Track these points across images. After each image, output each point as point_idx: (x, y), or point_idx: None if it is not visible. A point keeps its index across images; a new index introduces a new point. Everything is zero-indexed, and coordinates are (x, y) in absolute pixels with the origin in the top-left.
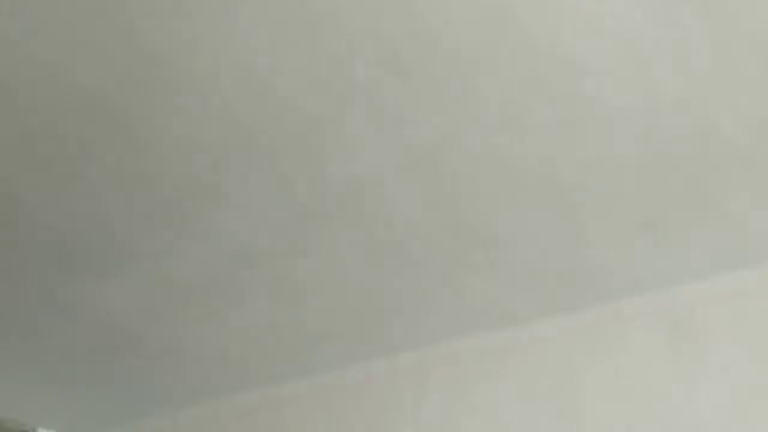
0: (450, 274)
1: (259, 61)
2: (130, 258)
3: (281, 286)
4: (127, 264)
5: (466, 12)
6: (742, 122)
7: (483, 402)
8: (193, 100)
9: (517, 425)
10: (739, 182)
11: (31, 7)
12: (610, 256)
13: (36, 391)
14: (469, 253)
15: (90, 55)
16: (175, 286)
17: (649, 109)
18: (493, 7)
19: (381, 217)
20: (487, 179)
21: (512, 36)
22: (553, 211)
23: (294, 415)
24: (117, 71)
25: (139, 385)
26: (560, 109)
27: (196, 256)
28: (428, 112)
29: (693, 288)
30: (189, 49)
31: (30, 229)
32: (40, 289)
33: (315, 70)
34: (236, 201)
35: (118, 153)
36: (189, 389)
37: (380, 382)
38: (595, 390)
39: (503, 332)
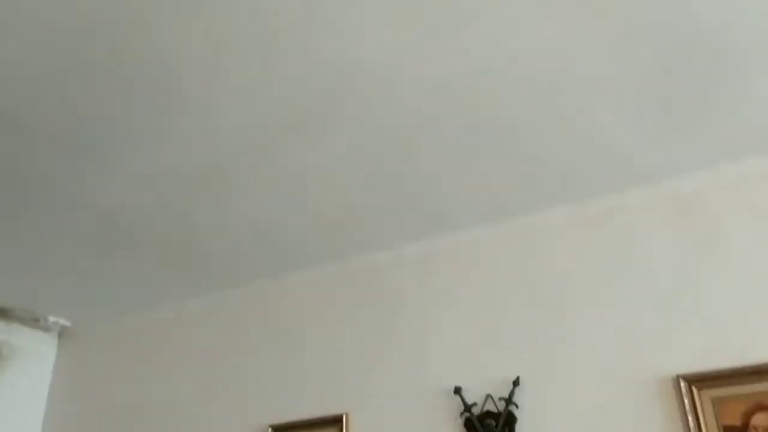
0: (455, 163)
1: None
2: (130, 145)
3: (285, 174)
4: (128, 151)
5: None
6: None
7: (484, 290)
8: None
9: (516, 312)
10: (746, 70)
11: None
12: (616, 146)
13: (45, 282)
14: (474, 142)
15: None
16: (176, 175)
17: None
18: None
19: (386, 103)
20: (496, 69)
21: None
22: (560, 101)
23: (299, 305)
24: None
25: (145, 275)
26: None
27: (197, 143)
28: None
29: (699, 177)
30: None
31: (30, 116)
32: (41, 179)
33: None
34: (237, 84)
35: (118, 35)
36: (193, 280)
37: (384, 273)
38: (599, 280)
39: (507, 223)
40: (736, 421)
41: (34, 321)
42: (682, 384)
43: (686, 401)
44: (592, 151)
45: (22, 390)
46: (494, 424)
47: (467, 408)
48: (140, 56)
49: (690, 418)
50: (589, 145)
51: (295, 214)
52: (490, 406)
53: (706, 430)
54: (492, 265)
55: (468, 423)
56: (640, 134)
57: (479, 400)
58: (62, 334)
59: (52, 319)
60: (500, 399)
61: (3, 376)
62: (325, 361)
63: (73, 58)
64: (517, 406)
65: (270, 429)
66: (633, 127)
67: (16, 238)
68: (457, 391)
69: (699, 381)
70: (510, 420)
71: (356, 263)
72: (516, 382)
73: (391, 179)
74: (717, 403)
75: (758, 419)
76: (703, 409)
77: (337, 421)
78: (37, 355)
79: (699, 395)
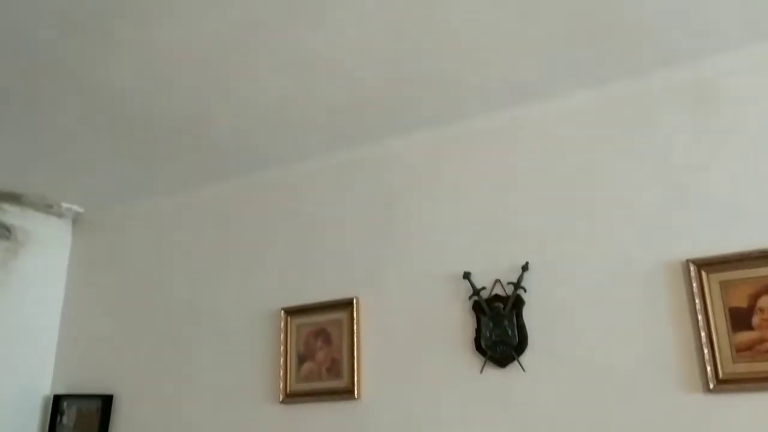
0: (468, 47)
1: None
2: (136, 24)
3: (294, 58)
4: (134, 31)
5: None
6: None
7: (494, 176)
8: None
9: (527, 198)
10: None
11: None
12: (635, 29)
13: (58, 169)
14: (489, 23)
15: None
16: (184, 56)
17: None
18: None
19: None
20: None
21: None
22: None
23: (310, 193)
24: None
25: (155, 161)
26: None
27: (204, 24)
28: None
29: (719, 60)
30: None
31: None
32: (50, 62)
33: None
34: None
35: None
36: (204, 167)
37: (396, 159)
38: (611, 165)
39: (521, 109)
40: (743, 303)
41: (47, 207)
42: (692, 268)
43: (694, 285)
44: (612, 32)
45: (41, 273)
46: (502, 306)
47: (476, 292)
48: None
49: (697, 301)
50: (608, 27)
51: (304, 99)
52: (498, 291)
53: (713, 311)
54: (503, 151)
55: (476, 306)
56: (662, 14)
57: (488, 284)
58: (76, 220)
59: (65, 205)
60: (509, 283)
61: (20, 261)
62: (337, 247)
63: None
64: (525, 290)
65: (282, 312)
66: (656, 7)
67: (26, 124)
68: (466, 275)
69: (708, 265)
70: (518, 303)
71: (367, 150)
72: (525, 267)
73: (403, 64)
74: (724, 286)
75: (764, 301)
76: (711, 292)
77: (347, 304)
78: (52, 240)
79: (708, 279)
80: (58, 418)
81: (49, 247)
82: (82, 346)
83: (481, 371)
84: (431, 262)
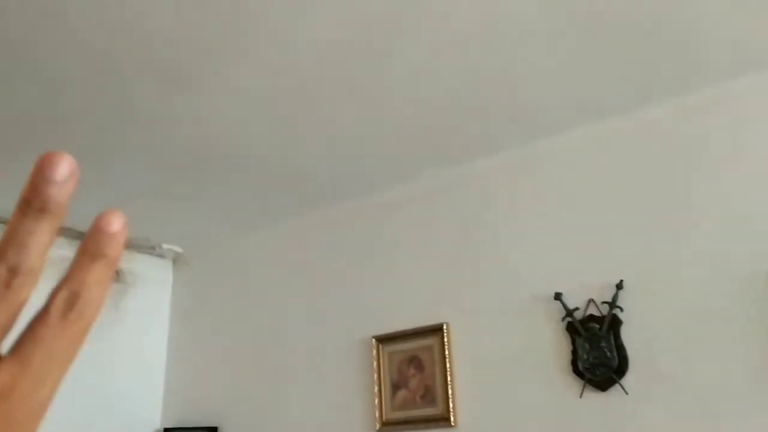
0: (548, 65)
1: None
2: (218, 73)
3: (367, 89)
4: (217, 79)
5: None
6: None
7: (580, 193)
8: None
9: (616, 214)
10: None
11: None
12: (723, 33)
13: (158, 212)
14: (569, 41)
15: None
16: (260, 96)
17: None
18: None
19: (466, 11)
20: None
21: None
22: None
23: (394, 220)
24: None
25: (247, 199)
26: None
27: (277, 63)
28: None
29: None
30: None
31: (129, 54)
32: (142, 113)
33: None
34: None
35: None
36: (292, 200)
37: (476, 181)
38: (705, 175)
39: (603, 123)
40: None
41: (150, 249)
42: None
43: None
44: (699, 40)
45: (147, 312)
46: (598, 327)
47: (569, 313)
48: None
49: None
50: (696, 33)
51: (382, 128)
52: (592, 311)
53: None
54: (588, 167)
55: (570, 327)
56: (749, 19)
57: (580, 304)
58: (176, 259)
59: (165, 246)
60: (603, 303)
61: (129, 301)
62: (423, 273)
63: None
64: (621, 309)
65: (373, 340)
66: (741, 12)
67: (127, 172)
68: (558, 296)
69: None
70: (615, 323)
71: (447, 173)
72: (619, 286)
73: (478, 86)
74: None
75: None
76: None
77: (437, 330)
78: (156, 280)
79: None
80: None
81: (153, 286)
82: (188, 380)
83: (581, 395)
84: (520, 283)
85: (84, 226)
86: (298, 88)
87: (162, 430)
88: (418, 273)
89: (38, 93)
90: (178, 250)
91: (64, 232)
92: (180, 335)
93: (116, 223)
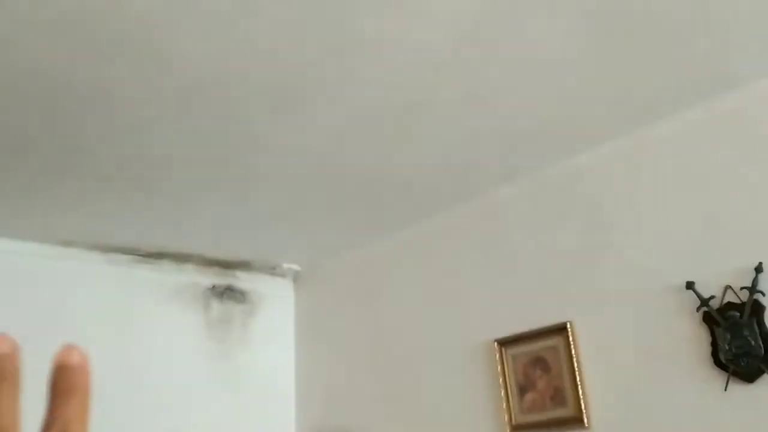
0: (662, 41)
1: None
2: (320, 87)
3: (475, 94)
4: (320, 94)
5: None
6: None
7: (702, 175)
8: None
9: (744, 194)
10: None
11: None
12: None
13: (275, 234)
14: (690, 17)
15: None
16: (367, 113)
17: None
18: None
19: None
20: None
21: None
22: None
23: (506, 220)
24: None
25: (360, 213)
26: None
27: (383, 77)
28: None
29: None
30: None
31: (236, 71)
32: (252, 138)
33: None
34: (415, 8)
35: None
36: (403, 211)
37: (588, 174)
38: None
39: (721, 101)
40: None
41: (271, 269)
42: None
43: None
44: None
45: (273, 330)
46: (738, 315)
47: (704, 302)
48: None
49: None
50: None
51: (492, 129)
52: (730, 298)
53: None
54: (709, 148)
55: (707, 317)
56: None
57: (716, 292)
58: (296, 278)
59: (285, 265)
60: (742, 288)
61: (255, 320)
62: (543, 272)
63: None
64: (763, 294)
65: (496, 343)
66: None
67: (245, 198)
68: (690, 285)
69: None
70: (757, 309)
71: (557, 170)
72: (758, 269)
73: (590, 75)
74: None
75: None
76: None
77: (561, 329)
78: (278, 299)
79: None
80: None
81: (276, 305)
82: (318, 393)
83: (725, 388)
84: (647, 274)
85: (212, 253)
86: (406, 99)
87: None
88: (537, 272)
89: (146, 126)
90: (297, 268)
91: (191, 258)
92: (306, 351)
93: (76, 356)
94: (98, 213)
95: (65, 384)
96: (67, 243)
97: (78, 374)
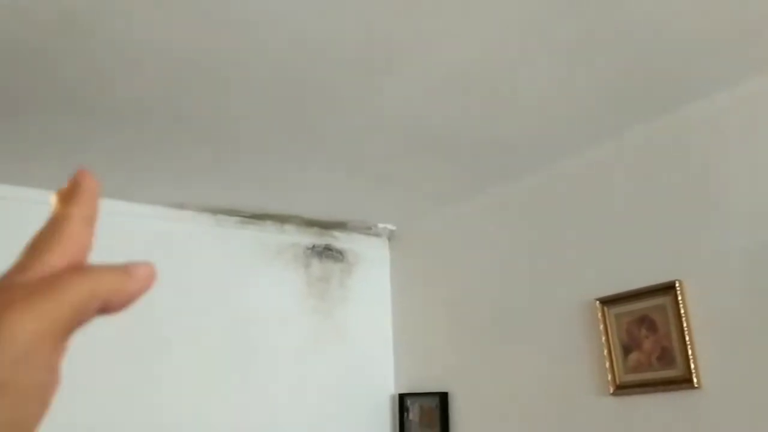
0: None
1: None
2: (414, 51)
3: (572, 48)
4: (413, 58)
5: None
6: None
7: None
8: None
9: None
10: None
11: None
12: None
13: (370, 194)
14: None
15: None
16: (461, 71)
17: None
18: None
19: None
20: None
21: None
22: None
23: (610, 176)
24: None
25: (452, 171)
26: None
27: (480, 38)
28: None
29: None
30: None
31: (332, 41)
32: (340, 94)
33: None
34: None
35: None
36: (495, 169)
37: (702, 127)
38: None
39: None
40: None
41: (367, 229)
42: None
43: None
44: None
45: (370, 288)
46: None
47: None
48: None
49: None
50: None
51: (589, 85)
52: None
53: None
54: None
55: None
56: None
57: None
58: (391, 237)
59: (381, 225)
60: None
61: (353, 279)
62: (647, 228)
63: None
64: None
65: (597, 302)
66: None
67: (343, 160)
68: None
69: None
70: None
71: (665, 122)
72: None
73: (696, 27)
74: None
75: None
76: None
77: (669, 288)
78: (374, 257)
79: None
80: (404, 414)
81: (373, 263)
82: (415, 349)
83: None
84: (760, 231)
85: (311, 214)
86: (500, 56)
87: (397, 396)
88: (641, 229)
89: (251, 92)
90: (392, 227)
91: (292, 219)
92: (402, 308)
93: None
94: (208, 177)
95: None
96: (180, 206)
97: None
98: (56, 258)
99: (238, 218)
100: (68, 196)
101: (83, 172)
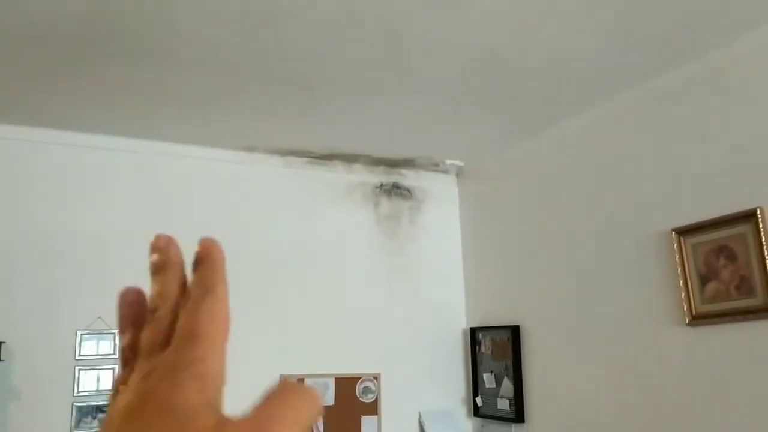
0: None
1: None
2: None
3: None
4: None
5: None
6: None
7: None
8: None
9: None
10: None
11: None
12: None
13: (435, 131)
14: None
15: None
16: (529, 2)
17: None
18: None
19: None
20: None
21: None
22: None
23: (680, 103)
24: None
25: (519, 108)
26: None
27: None
28: None
29: None
30: None
31: None
32: (411, 34)
33: None
34: None
35: None
36: (560, 104)
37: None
38: None
39: None
40: None
41: (434, 166)
42: None
43: None
44: None
45: (439, 224)
46: None
47: None
48: None
49: None
50: None
51: (663, 7)
52: None
53: None
54: None
55: None
56: None
57: None
58: (459, 173)
59: (449, 161)
60: None
61: (422, 216)
62: (725, 156)
63: None
64: None
65: (673, 233)
66: None
67: (409, 97)
68: None
69: None
70: None
71: (745, 43)
72: None
73: None
74: None
75: None
76: None
77: (750, 216)
78: (443, 194)
79: None
80: (477, 347)
81: (441, 200)
82: (485, 284)
83: None
84: None
85: (379, 153)
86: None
87: (468, 329)
88: (720, 157)
89: (319, 30)
90: (460, 164)
91: (360, 159)
92: (472, 243)
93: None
94: (276, 119)
95: (198, 260)
96: (250, 148)
97: (204, 251)
98: (221, 346)
99: (307, 159)
100: (203, 268)
101: (210, 242)
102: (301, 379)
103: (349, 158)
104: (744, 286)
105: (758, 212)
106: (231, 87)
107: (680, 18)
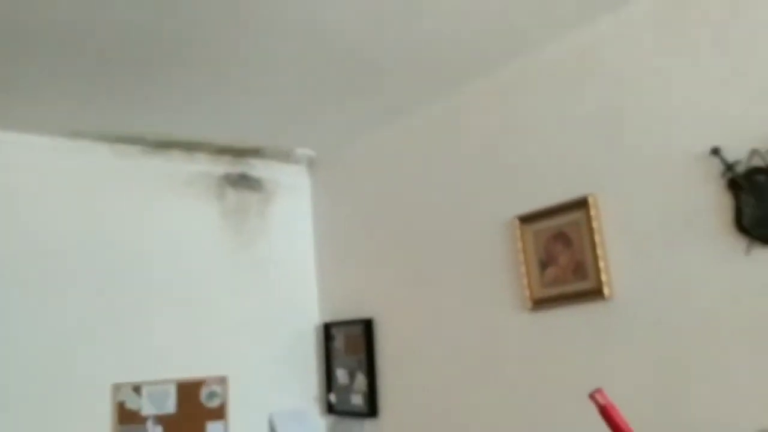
0: None
1: None
2: None
3: None
4: None
5: None
6: None
7: (728, 36)
8: None
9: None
10: None
11: None
12: None
13: (287, 119)
14: None
15: None
16: None
17: None
18: None
19: None
20: None
21: None
22: None
23: (525, 93)
24: None
25: (368, 97)
26: None
27: None
28: None
29: None
30: None
31: None
32: (257, 16)
33: None
34: None
35: None
36: (409, 95)
37: (612, 41)
38: None
39: None
40: None
41: (285, 155)
42: None
43: None
44: None
45: (290, 217)
46: (764, 178)
47: (729, 167)
48: None
49: None
50: None
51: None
52: (756, 162)
53: None
54: (739, 7)
55: (732, 184)
56: None
57: (741, 156)
58: (311, 164)
59: (299, 151)
60: None
61: (272, 208)
62: (561, 145)
63: None
64: None
65: (517, 219)
66: None
67: (254, 82)
68: (715, 151)
69: None
70: None
71: (577, 36)
72: None
73: None
74: None
75: None
76: None
77: (581, 203)
78: (294, 185)
79: None
80: (330, 343)
81: (292, 192)
82: (338, 278)
83: (747, 252)
84: (670, 143)
85: (223, 141)
86: None
87: (322, 325)
88: (555, 146)
89: (150, 6)
90: (312, 153)
91: (201, 147)
92: (324, 237)
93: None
94: (104, 102)
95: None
96: (74, 134)
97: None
98: None
99: (140, 147)
100: None
101: None
102: (136, 387)
103: (190, 146)
104: (579, 271)
105: (590, 199)
106: (49, 66)
107: (525, 7)
